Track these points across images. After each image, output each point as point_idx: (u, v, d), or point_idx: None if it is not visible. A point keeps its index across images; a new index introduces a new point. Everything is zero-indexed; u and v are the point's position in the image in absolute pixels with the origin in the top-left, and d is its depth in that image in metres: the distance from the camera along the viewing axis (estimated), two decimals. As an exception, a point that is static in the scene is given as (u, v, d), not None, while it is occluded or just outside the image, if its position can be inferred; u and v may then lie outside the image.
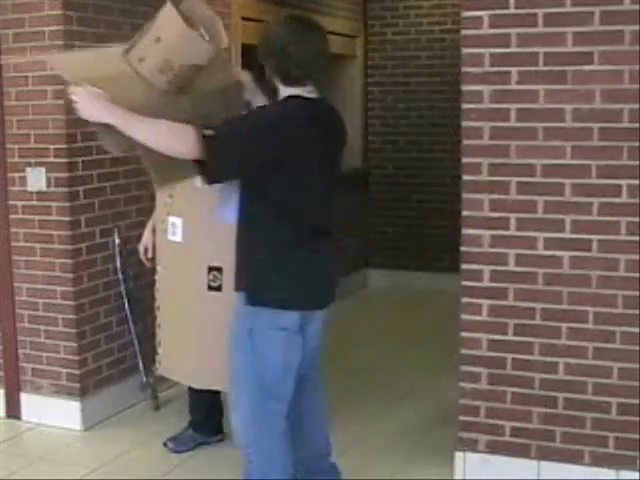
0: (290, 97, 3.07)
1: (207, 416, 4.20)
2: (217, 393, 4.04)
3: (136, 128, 2.97)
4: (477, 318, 3.57)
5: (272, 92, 3.18)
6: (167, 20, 3.02)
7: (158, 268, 4.07)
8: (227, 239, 3.31)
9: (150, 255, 4.22)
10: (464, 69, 3.49)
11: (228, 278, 3.45)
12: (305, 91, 3.08)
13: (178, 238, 3.89)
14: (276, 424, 3.16)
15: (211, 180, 3.05)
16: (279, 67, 3.05)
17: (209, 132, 2.92)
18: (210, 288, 3.74)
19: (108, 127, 2.99)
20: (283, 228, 3.06)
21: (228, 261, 3.33)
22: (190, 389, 4.16)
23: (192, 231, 3.83)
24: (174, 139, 2.95)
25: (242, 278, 3.15)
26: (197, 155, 2.93)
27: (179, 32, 3.00)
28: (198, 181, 3.84)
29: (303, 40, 3.02)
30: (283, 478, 3.20)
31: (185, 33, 3.00)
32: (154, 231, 4.14)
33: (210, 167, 2.96)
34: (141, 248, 4.27)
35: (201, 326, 3.82)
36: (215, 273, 3.69)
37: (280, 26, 3.08)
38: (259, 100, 3.37)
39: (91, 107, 3.00)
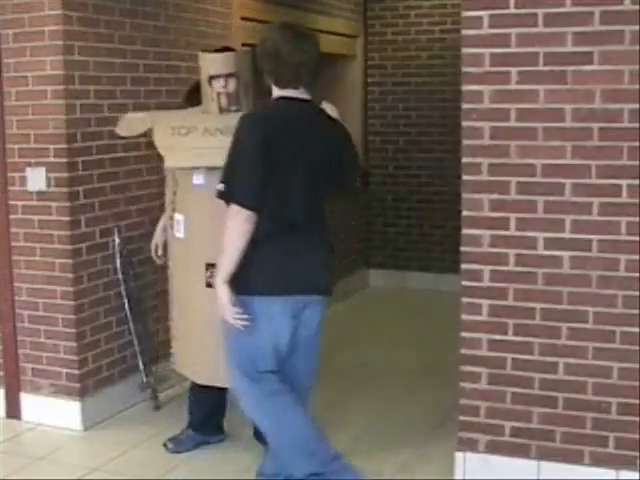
0: (281, 98, 3.40)
1: (206, 416, 4.19)
2: (222, 391, 4.01)
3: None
4: (477, 318, 3.57)
5: (268, 92, 3.45)
6: None
7: (170, 263, 4.08)
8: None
9: (160, 253, 4.26)
10: (464, 69, 3.49)
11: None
12: (296, 93, 3.39)
13: (181, 235, 3.90)
14: (271, 388, 3.40)
15: (245, 208, 3.27)
16: (272, 70, 3.34)
17: (220, 187, 3.28)
18: (208, 285, 3.74)
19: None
20: (259, 226, 3.26)
21: None
22: (191, 389, 4.16)
23: (192, 228, 3.84)
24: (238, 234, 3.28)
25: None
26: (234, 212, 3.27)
27: None
28: (197, 177, 3.86)
29: (295, 46, 3.31)
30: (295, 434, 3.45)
31: None
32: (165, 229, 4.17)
33: (238, 204, 3.25)
34: (152, 246, 4.31)
35: (201, 323, 3.82)
36: (213, 270, 3.63)
37: (275, 32, 3.43)
38: None
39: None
